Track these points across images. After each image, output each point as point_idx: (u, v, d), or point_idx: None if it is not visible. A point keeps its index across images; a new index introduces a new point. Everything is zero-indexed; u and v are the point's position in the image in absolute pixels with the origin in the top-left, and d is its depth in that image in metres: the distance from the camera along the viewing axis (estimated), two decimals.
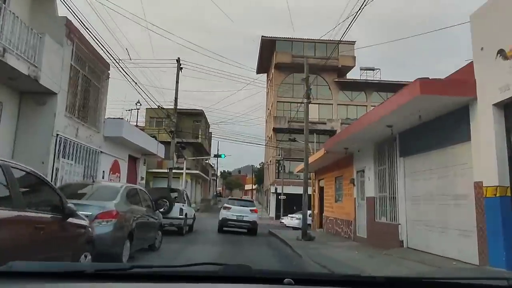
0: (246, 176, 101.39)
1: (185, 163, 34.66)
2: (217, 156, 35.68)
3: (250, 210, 16.97)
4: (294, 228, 28.72)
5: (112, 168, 14.48)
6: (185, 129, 36.23)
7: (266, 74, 49.28)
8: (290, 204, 35.89)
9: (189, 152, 36.12)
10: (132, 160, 17.66)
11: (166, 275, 1.52)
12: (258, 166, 60.10)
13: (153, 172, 36.66)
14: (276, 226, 30.52)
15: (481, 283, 1.57)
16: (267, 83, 49.37)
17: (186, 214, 13.63)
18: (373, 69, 42.44)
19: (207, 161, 54.93)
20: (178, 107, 33.61)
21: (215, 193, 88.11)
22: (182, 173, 34.61)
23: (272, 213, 36.08)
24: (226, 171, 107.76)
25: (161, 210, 12.03)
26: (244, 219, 16.56)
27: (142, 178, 18.92)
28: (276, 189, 34.87)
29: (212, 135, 46.81)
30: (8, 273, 1.44)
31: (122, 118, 16.72)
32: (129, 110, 26.60)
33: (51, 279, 1.43)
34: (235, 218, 16.43)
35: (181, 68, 22.42)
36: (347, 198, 14.70)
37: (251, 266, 1.54)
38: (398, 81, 36.19)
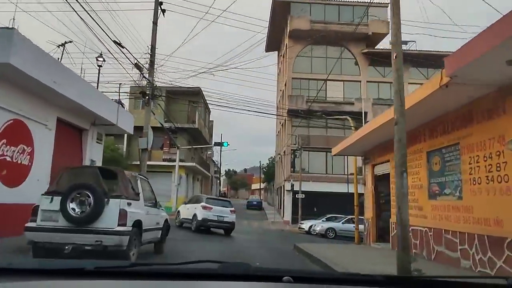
0: (253, 176, 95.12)
1: (178, 153, 27.62)
2: (219, 144, 28.62)
3: (230, 211, 17.00)
4: (322, 235, 21.64)
5: (7, 134, 7.52)
6: (178, 112, 29.19)
7: (277, 52, 42.18)
8: (309, 204, 28.79)
9: (183, 140, 29.11)
10: (71, 131, 10.73)
11: (165, 273, 1.55)
12: (267, 162, 53.15)
13: (138, 166, 29.53)
14: (294, 234, 23.51)
15: (481, 282, 1.59)
16: (277, 63, 42.24)
17: (138, 224, 6.59)
18: (405, 43, 35.00)
19: (208, 155, 48.00)
20: (170, 85, 26.74)
21: (220, 193, 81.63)
22: (175, 166, 27.60)
23: (288, 216, 29.04)
24: (232, 170, 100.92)
25: (77, 212, 6.09)
26: (224, 219, 16.57)
27: (93, 162, 11.95)
28: (292, 185, 27.76)
29: (213, 123, 39.88)
30: (8, 270, 1.48)
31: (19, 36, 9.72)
32: (60, 45, 18.39)
33: (51, 276, 1.46)
34: (215, 218, 16.33)
35: (164, 10, 15.40)
36: (484, 187, 7.30)
37: (250, 264, 1.56)
38: (445, 52, 29.03)
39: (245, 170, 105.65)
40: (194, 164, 29.25)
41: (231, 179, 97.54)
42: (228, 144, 27.70)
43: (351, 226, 22.05)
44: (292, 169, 30.88)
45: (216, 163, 58.38)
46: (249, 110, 78.09)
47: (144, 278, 1.47)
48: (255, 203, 40.11)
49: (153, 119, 25.87)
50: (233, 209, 17.15)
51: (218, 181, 64.32)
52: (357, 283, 1.51)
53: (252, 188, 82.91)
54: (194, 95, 31.38)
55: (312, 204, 29.88)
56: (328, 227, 21.68)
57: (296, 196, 27.95)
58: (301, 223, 25.23)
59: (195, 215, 16.39)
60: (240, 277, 1.48)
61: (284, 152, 31.57)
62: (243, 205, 44.06)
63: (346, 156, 29.08)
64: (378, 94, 31.42)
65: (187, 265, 1.58)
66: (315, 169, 30.70)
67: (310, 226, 24.26)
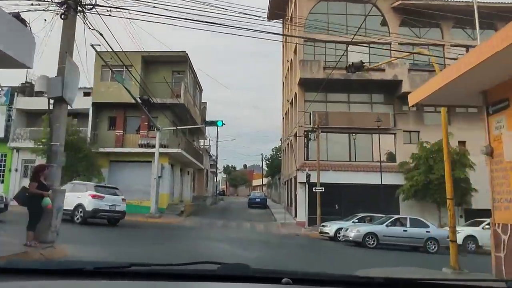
0: (254, 172, 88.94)
1: (158, 136, 21.14)
2: (211, 124, 22.10)
3: (122, 199, 16.17)
4: (357, 244, 15.35)
5: None
6: (159, 85, 22.69)
7: (281, 20, 35.49)
8: (328, 200, 22.46)
9: (166, 121, 22.55)
10: None
11: (164, 274, 1.56)
12: (271, 153, 46.62)
13: (107, 154, 23.08)
14: (316, 241, 17.19)
15: (480, 285, 1.59)
16: (283, 32, 35.54)
17: None
18: None
19: (204, 147, 41.45)
20: (148, 49, 20.78)
21: (218, 191, 75.05)
22: (154, 153, 21.13)
23: (302, 215, 22.62)
24: (231, 165, 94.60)
25: None
26: (116, 209, 15.77)
27: None
28: (308, 176, 21.26)
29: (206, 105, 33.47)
30: (7, 270, 1.49)
31: None
32: None
33: (50, 276, 1.47)
34: (108, 208, 15.41)
35: None
36: None
37: (250, 265, 1.56)
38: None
39: (245, 166, 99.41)
40: (179, 150, 22.71)
41: (230, 176, 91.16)
42: (223, 124, 21.17)
43: (399, 230, 15.63)
44: (306, 156, 24.38)
45: (213, 157, 51.99)
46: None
47: (144, 279, 1.51)
48: (259, 200, 33.57)
49: (125, 93, 19.47)
50: (123, 197, 16.45)
51: (215, 177, 57.93)
52: (357, 285, 1.54)
53: (254, 184, 76.49)
54: (179, 62, 24.80)
55: (332, 200, 23.47)
56: (367, 232, 15.20)
57: (314, 190, 21.50)
58: (323, 226, 18.79)
59: (79, 205, 15.07)
60: (239, 278, 1.49)
61: (295, 135, 25.07)
62: (244, 203, 37.54)
63: (378, 135, 22.61)
64: (412, 59, 24.87)
65: (186, 266, 1.61)
66: (335, 155, 24.26)
67: (338, 230, 17.84)
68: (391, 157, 24.67)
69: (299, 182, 23.77)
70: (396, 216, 16.19)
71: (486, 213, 19.72)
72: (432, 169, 20.53)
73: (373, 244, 15.36)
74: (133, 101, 18.37)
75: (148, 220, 19.92)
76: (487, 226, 15.25)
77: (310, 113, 24.25)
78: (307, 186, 22.37)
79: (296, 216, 24.46)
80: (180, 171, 28.58)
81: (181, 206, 23.60)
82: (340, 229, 18.05)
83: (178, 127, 23.61)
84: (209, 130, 43.99)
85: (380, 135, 22.87)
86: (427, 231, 15.58)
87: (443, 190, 20.46)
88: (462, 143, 22.46)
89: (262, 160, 50.13)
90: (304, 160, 24.24)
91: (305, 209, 22.44)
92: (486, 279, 1.66)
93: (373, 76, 23.75)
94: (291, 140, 27.64)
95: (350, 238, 15.66)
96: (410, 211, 22.55)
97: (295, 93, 25.71)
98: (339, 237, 18.03)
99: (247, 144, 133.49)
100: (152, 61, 24.08)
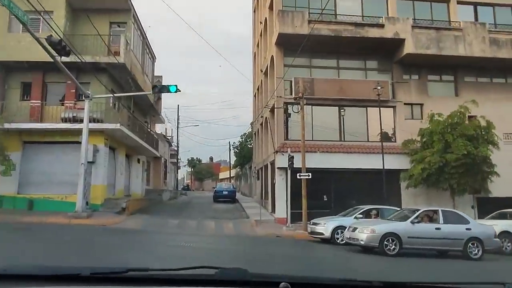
0: (221, 165, 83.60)
1: (87, 105, 15.36)
2: (160, 90, 16.50)
3: None
4: (370, 249, 10.58)
5: None
6: (90, 37, 16.86)
7: None
8: (315, 190, 17.70)
9: (100, 87, 16.70)
10: None
11: (162, 279, 1.56)
12: (240, 140, 41.26)
13: (19, 133, 16.92)
14: (307, 245, 12.49)
15: None
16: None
17: None
18: None
19: (161, 131, 35.53)
20: None
21: (183, 185, 68.99)
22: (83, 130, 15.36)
23: (282, 211, 17.62)
24: (196, 158, 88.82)
25: None
26: None
27: None
28: (291, 159, 16.27)
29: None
30: (3, 276, 1.49)
31: None
32: None
33: (46, 282, 1.48)
34: None
35: None
36: None
37: (248, 270, 1.55)
38: None
39: (211, 158, 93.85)
40: (118, 126, 16.94)
41: (195, 169, 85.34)
42: (177, 90, 15.65)
43: (431, 228, 11.13)
44: (285, 135, 19.39)
45: (175, 146, 46.11)
46: None
47: (141, 284, 1.52)
48: (226, 192, 28.19)
49: (41, 49, 13.52)
50: None
51: (177, 168, 52.11)
52: None
53: (221, 177, 71.06)
54: (119, 13, 18.99)
55: (319, 189, 18.77)
56: (387, 232, 10.43)
57: (299, 176, 16.55)
58: (314, 224, 13.93)
59: None
60: (238, 282, 1.50)
61: (273, 109, 20.04)
62: (209, 197, 32.13)
63: (379, 108, 18.04)
64: (413, 12, 20.44)
65: (184, 270, 1.59)
66: (323, 133, 19.49)
67: (336, 230, 13.04)
68: (389, 135, 20.21)
69: (278, 168, 18.76)
70: (422, 209, 11.50)
71: (504, 202, 15.21)
72: (449, 147, 16.14)
73: (394, 249, 10.59)
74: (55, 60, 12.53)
75: (71, 221, 14.25)
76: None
77: (292, 80, 19.25)
78: (288, 172, 17.39)
79: (274, 211, 19.47)
80: (127, 158, 22.77)
81: (123, 202, 17.91)
82: (339, 228, 13.21)
83: (116, 95, 17.77)
84: (168, 115, 38.12)
85: (379, 108, 18.27)
86: (467, 229, 11.03)
87: (462, 174, 16.20)
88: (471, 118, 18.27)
89: (230, 149, 44.86)
90: (284, 139, 19.24)
91: (286, 202, 17.47)
92: (484, 282, 1.71)
93: (370, 32, 19.03)
94: (266, 118, 22.56)
95: (361, 242, 10.82)
96: (414, 201, 18.20)
97: (272, 56, 20.60)
98: (338, 238, 13.18)
99: (214, 137, 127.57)
100: (81, 8, 18.07)
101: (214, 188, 30.68)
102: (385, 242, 10.58)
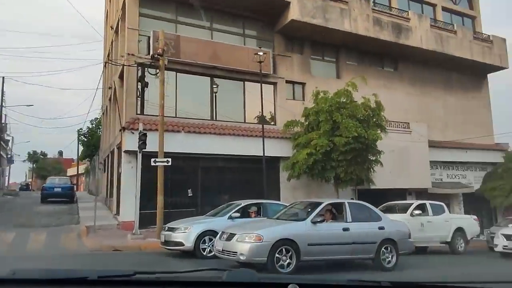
0: (73, 161, 71.49)
1: None
2: None
3: None
4: (251, 265, 6.33)
5: None
6: None
7: None
8: (177, 182, 13.42)
9: None
10: None
11: (170, 281, 1.59)
12: (90, 126, 33.50)
13: None
14: (162, 258, 7.76)
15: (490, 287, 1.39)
16: None
17: None
18: None
19: None
20: None
21: (21, 184, 55.89)
22: None
23: (129, 212, 12.67)
24: (40, 152, 75.04)
25: None
26: None
27: None
28: (142, 136, 11.44)
29: None
30: (12, 280, 1.52)
31: None
32: None
33: (54, 286, 1.50)
34: None
35: None
36: None
37: (255, 271, 1.57)
38: None
39: (61, 152, 79.94)
40: None
41: (37, 165, 71.32)
42: None
43: (337, 229, 7.76)
44: (139, 109, 14.35)
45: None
46: None
47: (148, 287, 1.52)
48: (60, 190, 21.02)
49: None
50: None
51: (8, 162, 41.08)
52: None
53: (69, 174, 60.06)
54: None
55: (182, 182, 14.47)
56: (280, 239, 6.67)
57: (154, 163, 11.82)
58: (170, 229, 9.54)
59: None
60: (246, 284, 1.49)
61: (122, 74, 14.76)
62: (37, 198, 24.24)
63: (260, 84, 14.73)
64: None
65: (192, 273, 1.67)
66: (190, 109, 15.14)
67: (201, 236, 9.07)
68: (268, 117, 17.12)
69: (126, 152, 13.64)
70: (326, 201, 8.11)
71: (384, 194, 13.19)
72: (338, 128, 13.66)
73: (290, 265, 6.89)
74: None
75: None
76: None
77: (150, 36, 14.31)
78: (139, 157, 12.42)
79: (119, 213, 14.21)
80: None
81: None
82: (207, 233, 9.08)
83: None
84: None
85: (259, 83, 14.88)
86: (380, 227, 8.09)
87: (350, 162, 13.90)
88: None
89: (78, 139, 36.44)
90: (137, 113, 14.17)
91: (136, 200, 12.44)
92: (496, 281, 1.65)
93: None
94: (114, 89, 17.00)
95: (242, 258, 6.79)
96: (293, 195, 15.42)
97: (124, 2, 15.24)
98: (205, 249, 9.03)
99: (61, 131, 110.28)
100: None
101: (44, 185, 23.04)
102: (277, 255, 6.80)
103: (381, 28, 18.45)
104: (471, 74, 22.91)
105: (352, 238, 7.57)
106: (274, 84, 17.08)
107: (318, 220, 7.39)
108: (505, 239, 12.36)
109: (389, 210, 13.58)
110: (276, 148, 15.90)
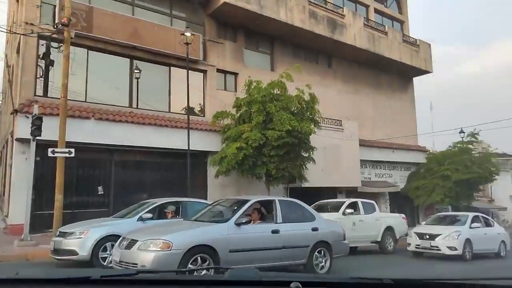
0: None
1: None
2: None
3: None
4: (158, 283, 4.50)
5: None
6: None
7: None
8: (84, 178, 11.45)
9: None
10: None
11: (172, 280, 1.58)
12: None
13: None
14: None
15: (492, 284, 1.57)
16: None
17: None
18: None
19: None
20: None
21: None
22: None
23: (19, 214, 10.10)
24: None
25: None
26: None
27: None
28: (37, 120, 9.28)
29: None
30: (15, 280, 1.52)
31: None
32: None
33: (57, 286, 1.48)
34: None
35: None
36: None
37: (258, 270, 1.55)
38: None
39: None
40: None
41: None
42: None
43: (265, 232, 6.59)
44: (43, 90, 11.98)
45: None
46: None
47: (151, 286, 1.49)
48: None
49: None
50: None
51: None
52: (366, 287, 1.54)
53: None
54: None
55: (91, 177, 12.39)
56: (195, 245, 5.18)
57: (52, 153, 9.74)
58: (61, 234, 7.58)
59: None
60: (248, 283, 1.48)
61: (19, 47, 12.29)
62: None
63: (187, 71, 13.26)
64: None
65: (195, 271, 1.68)
66: (104, 93, 13.10)
67: (101, 243, 7.26)
68: (197, 108, 15.65)
69: (18, 140, 11.26)
70: (253, 199, 6.88)
71: (314, 192, 12.63)
72: (271, 121, 12.65)
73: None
74: None
75: None
76: None
77: (56, 4, 12.02)
78: (33, 146, 10.19)
79: (7, 214, 11.72)
80: None
81: None
82: (109, 239, 7.40)
83: None
84: None
85: (187, 67, 13.34)
86: (313, 229, 7.10)
87: (282, 157, 12.98)
88: None
89: None
90: (36, 95, 11.80)
91: (27, 198, 10.17)
92: (499, 277, 1.63)
93: None
94: (12, 66, 14.28)
95: (144, 265, 5.24)
96: (222, 194, 14.12)
97: None
98: (105, 259, 7.34)
99: None
100: None
101: None
102: (190, 265, 5.40)
103: (317, 22, 17.93)
104: (399, 76, 23.56)
105: (282, 241, 6.46)
106: (204, 72, 15.64)
107: (243, 221, 6.15)
108: (417, 238, 12.19)
109: (321, 209, 12.89)
110: (204, 142, 14.49)
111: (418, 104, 25.54)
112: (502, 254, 13.16)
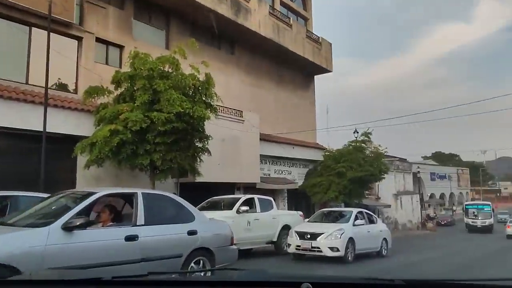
0: None
1: None
2: None
3: None
4: None
5: None
6: None
7: None
8: None
9: None
10: None
11: (183, 281, 1.60)
12: None
13: None
14: None
15: (504, 285, 1.54)
16: None
17: None
18: None
19: None
20: None
21: None
22: None
23: None
24: None
25: None
26: None
27: None
28: None
29: None
30: (29, 281, 1.59)
31: None
32: None
33: (68, 286, 1.50)
34: None
35: None
36: None
37: (268, 270, 1.56)
38: None
39: None
40: None
41: None
42: None
43: (117, 240, 4.38)
44: None
45: None
46: None
47: (162, 287, 1.49)
48: None
49: None
50: None
51: None
52: (377, 287, 1.51)
53: None
54: None
55: None
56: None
57: None
58: None
59: None
60: (258, 284, 1.47)
61: None
62: None
63: (48, 32, 10.43)
64: None
65: (204, 272, 1.83)
66: None
67: None
68: (67, 82, 12.69)
69: None
70: (101, 191, 4.80)
71: (206, 188, 11.23)
72: (158, 101, 10.55)
73: None
74: None
75: None
76: None
77: None
78: None
79: None
80: None
81: None
82: None
83: None
84: None
85: (48, 31, 10.43)
86: (190, 232, 5.29)
87: (170, 146, 10.95)
88: None
89: None
90: None
91: None
92: (506, 278, 1.57)
93: None
94: None
95: None
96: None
97: None
98: None
99: None
100: None
101: None
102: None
103: (220, 1, 16.26)
104: (301, 73, 23.27)
105: (141, 252, 4.52)
106: (79, 39, 12.74)
107: (78, 223, 4.06)
108: (298, 238, 10.81)
109: (214, 206, 11.26)
110: (73, 124, 11.71)
111: (317, 104, 25.75)
112: (383, 253, 12.78)
